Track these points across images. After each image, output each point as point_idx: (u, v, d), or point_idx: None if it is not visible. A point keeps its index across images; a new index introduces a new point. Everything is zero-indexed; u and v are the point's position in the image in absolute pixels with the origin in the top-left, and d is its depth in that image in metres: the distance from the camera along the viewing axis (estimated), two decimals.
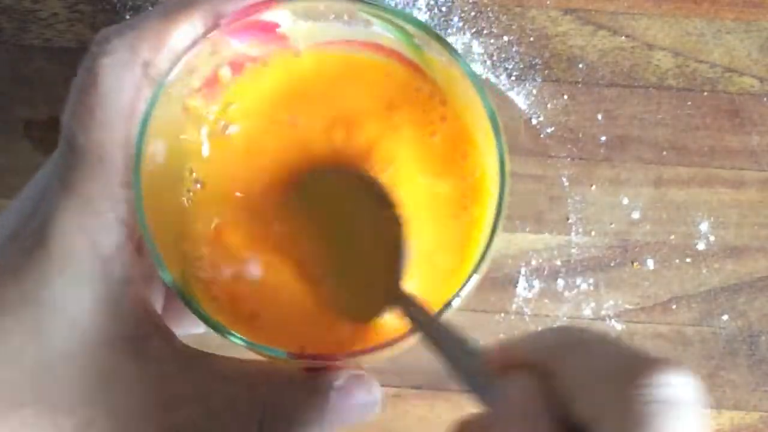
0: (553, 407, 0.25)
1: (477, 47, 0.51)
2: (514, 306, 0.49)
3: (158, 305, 0.38)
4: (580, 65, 0.51)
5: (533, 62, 0.51)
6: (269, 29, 0.36)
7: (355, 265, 0.36)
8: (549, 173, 0.50)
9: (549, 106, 0.51)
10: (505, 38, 0.51)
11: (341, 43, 0.38)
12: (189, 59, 0.34)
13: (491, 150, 0.34)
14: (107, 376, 0.32)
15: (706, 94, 0.51)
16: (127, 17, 0.51)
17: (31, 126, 0.50)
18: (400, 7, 0.51)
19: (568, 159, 0.50)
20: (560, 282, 0.49)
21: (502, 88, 0.51)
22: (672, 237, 0.50)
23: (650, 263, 0.49)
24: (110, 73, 0.33)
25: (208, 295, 0.34)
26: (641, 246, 0.50)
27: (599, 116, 0.51)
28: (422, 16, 0.51)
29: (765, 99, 0.51)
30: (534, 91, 0.51)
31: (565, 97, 0.51)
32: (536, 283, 0.49)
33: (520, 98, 0.51)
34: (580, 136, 0.50)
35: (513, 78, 0.51)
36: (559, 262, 0.49)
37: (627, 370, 0.24)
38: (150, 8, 0.51)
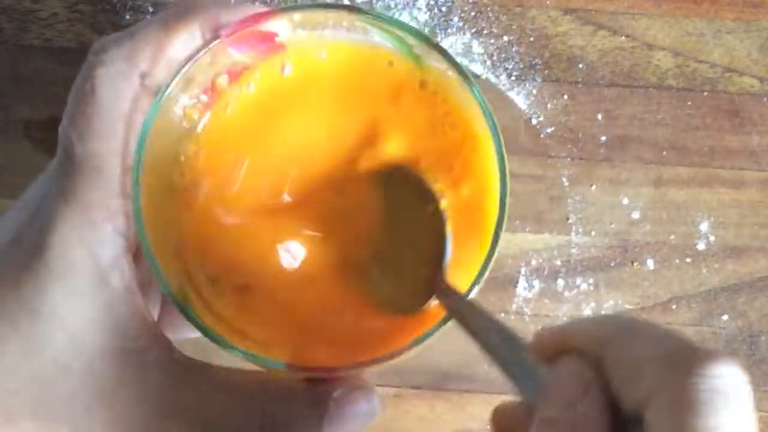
0: (603, 394, 0.26)
1: (477, 47, 0.51)
2: (514, 306, 0.49)
3: (155, 311, 0.38)
4: (580, 65, 0.51)
5: (533, 62, 0.51)
6: (268, 39, 0.36)
7: (397, 258, 0.37)
8: (549, 173, 0.50)
9: (549, 106, 0.51)
10: (505, 38, 0.51)
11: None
12: (189, 70, 0.34)
13: (491, 154, 0.34)
14: (107, 388, 0.32)
15: (706, 94, 0.51)
16: (127, 17, 0.51)
17: (31, 126, 0.50)
18: (400, 7, 0.51)
19: (568, 159, 0.50)
20: (560, 282, 0.49)
21: (502, 88, 0.51)
22: (672, 237, 0.50)
23: (650, 263, 0.50)
24: (107, 84, 0.33)
25: (208, 307, 0.34)
26: (641, 246, 0.50)
27: (599, 116, 0.51)
28: (422, 16, 0.51)
29: (765, 99, 0.51)
30: (534, 91, 0.51)
31: (565, 97, 0.51)
32: (536, 283, 0.49)
33: (520, 98, 0.51)
34: (580, 136, 0.50)
35: (513, 78, 0.51)
36: (559, 262, 0.50)
37: (680, 357, 0.24)
38: (150, 8, 0.51)
